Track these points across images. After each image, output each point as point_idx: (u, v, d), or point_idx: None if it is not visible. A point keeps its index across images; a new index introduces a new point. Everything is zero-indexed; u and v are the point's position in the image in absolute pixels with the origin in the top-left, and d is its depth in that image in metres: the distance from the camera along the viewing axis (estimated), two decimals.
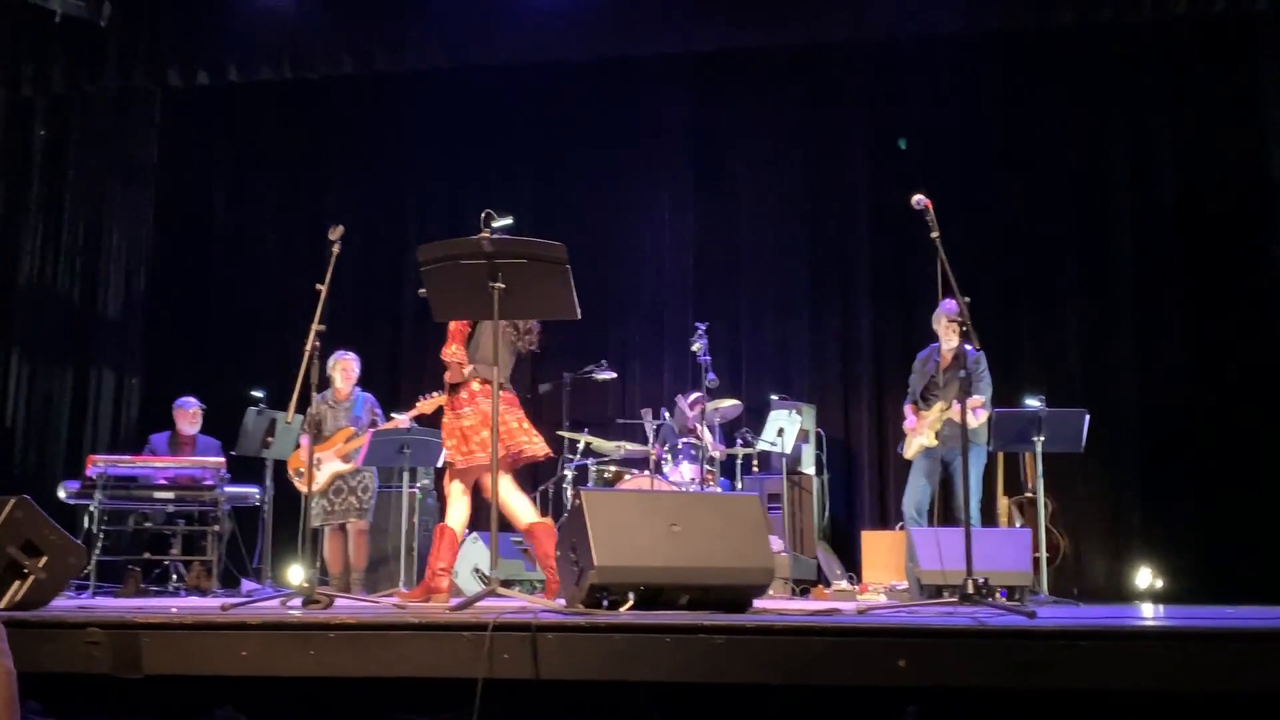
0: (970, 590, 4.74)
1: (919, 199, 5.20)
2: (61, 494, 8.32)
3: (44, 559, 4.95)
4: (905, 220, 8.61)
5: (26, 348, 10.45)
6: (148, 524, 8.60)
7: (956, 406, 7.05)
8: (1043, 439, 7.30)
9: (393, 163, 10.93)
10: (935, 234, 5.09)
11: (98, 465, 8.19)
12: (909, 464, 7.79)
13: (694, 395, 8.94)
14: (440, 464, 8.14)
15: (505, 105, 10.59)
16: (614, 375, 9.26)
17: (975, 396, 7.23)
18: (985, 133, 9.85)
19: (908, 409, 7.73)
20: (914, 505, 7.50)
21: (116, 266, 10.67)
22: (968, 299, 5.21)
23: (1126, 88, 9.59)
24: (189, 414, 8.90)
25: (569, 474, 8.76)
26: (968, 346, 5.16)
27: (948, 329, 7.42)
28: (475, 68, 9.62)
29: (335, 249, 5.48)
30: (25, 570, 4.89)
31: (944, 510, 7.80)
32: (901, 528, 7.88)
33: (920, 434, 7.53)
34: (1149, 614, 5.84)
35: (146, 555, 8.55)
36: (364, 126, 10.92)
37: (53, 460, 10.25)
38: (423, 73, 9.91)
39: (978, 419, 7.26)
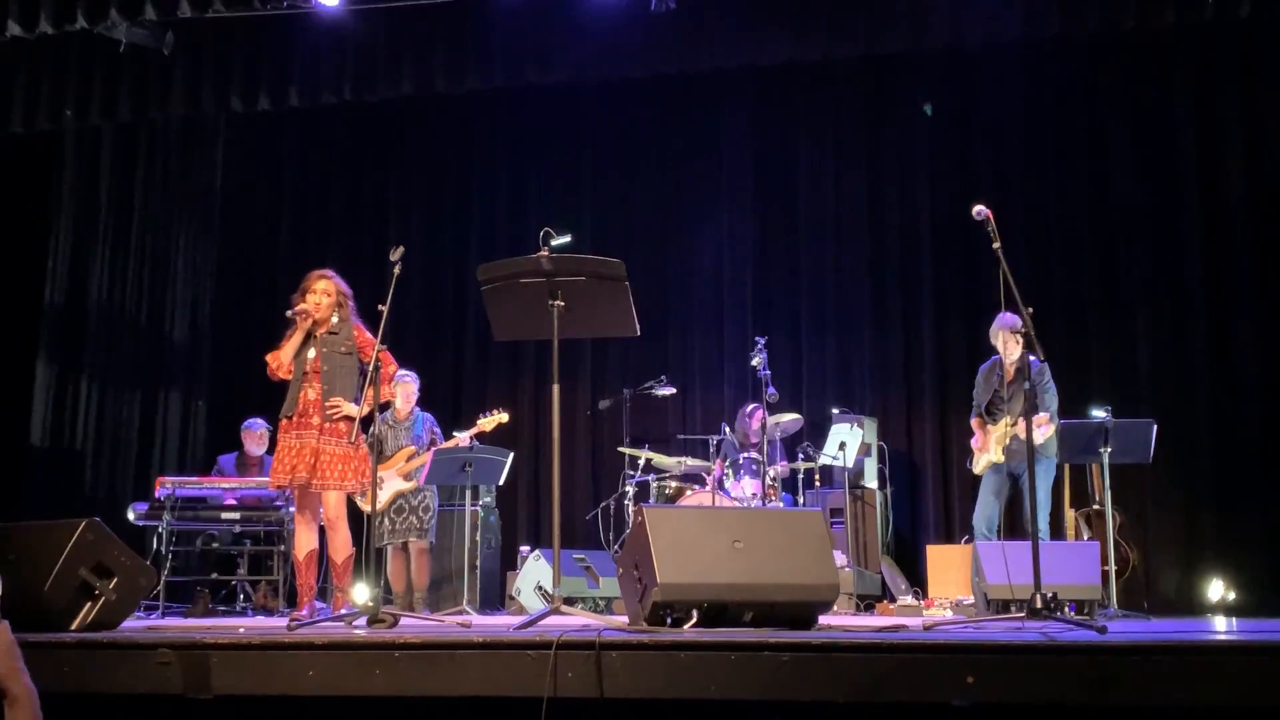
0: (1038, 605, 4.68)
1: (980, 209, 5.16)
2: (130, 515, 8.45)
3: (114, 580, 5.03)
4: (968, 231, 8.56)
5: (96, 371, 10.65)
6: (215, 544, 8.72)
7: (1022, 422, 6.98)
8: (1110, 450, 7.19)
9: (455, 183, 11.03)
10: (997, 244, 5.04)
11: (166, 486, 8.32)
12: (974, 478, 7.71)
13: (755, 409, 8.91)
14: (501, 482, 8.20)
15: (566, 123, 10.66)
16: (674, 391, 9.27)
17: (1041, 413, 7.14)
18: (1049, 140, 9.75)
19: (974, 424, 7.65)
20: (985, 521, 7.41)
21: (184, 290, 10.86)
22: (1030, 309, 5.15)
23: (1194, 92, 9.43)
24: (256, 435, 9.02)
25: (630, 490, 8.77)
26: (1031, 358, 5.09)
27: (1007, 341, 7.34)
28: (535, 87, 9.69)
29: (396, 270, 5.53)
30: (96, 592, 4.98)
31: (1013, 524, 7.71)
32: (968, 541, 7.80)
33: (988, 449, 7.45)
34: (1222, 627, 5.73)
35: (214, 575, 8.67)
36: (426, 147, 11.03)
37: (122, 482, 10.42)
38: (483, 93, 9.98)
39: (1044, 434, 7.17)
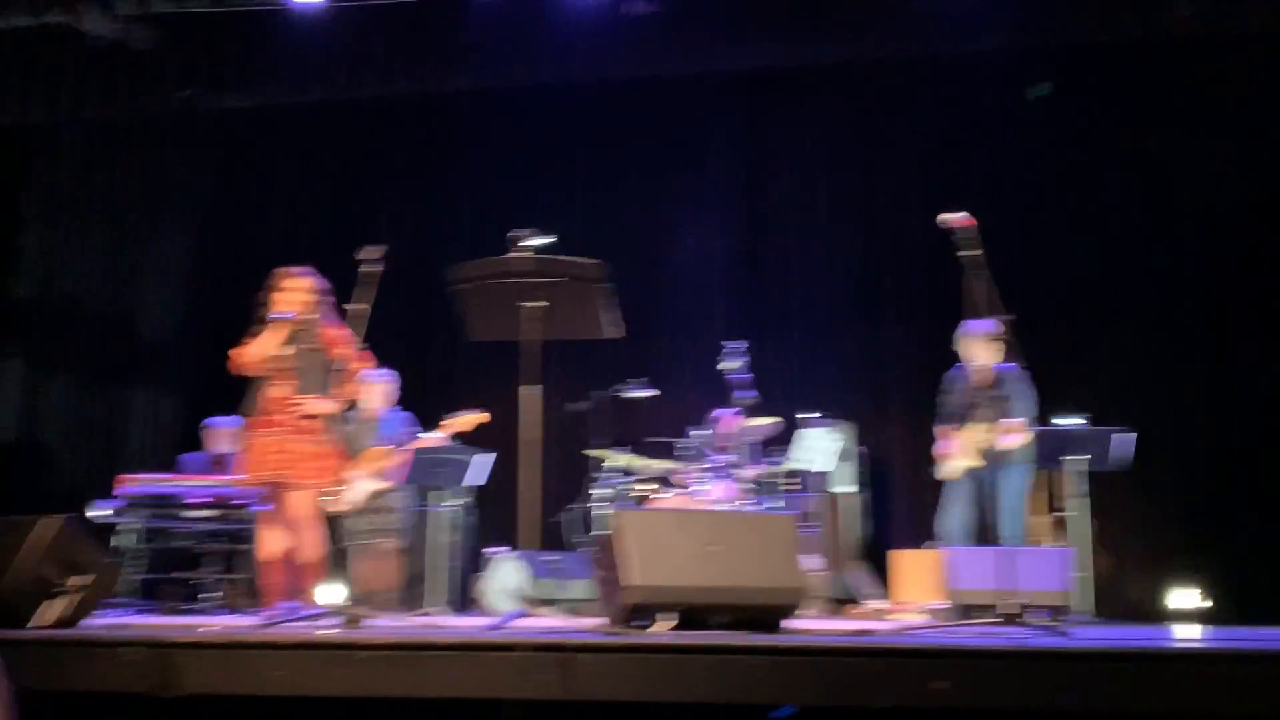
0: (1009, 610, 4.70)
1: (945, 218, 5.18)
2: (96, 513, 8.38)
3: (80, 577, 4.99)
4: (947, 238, 8.62)
5: (67, 368, 10.56)
6: (181, 543, 8.66)
7: (995, 427, 7.01)
8: (1087, 457, 7.23)
9: (444, 182, 10.96)
10: (972, 252, 5.06)
11: (132, 484, 8.25)
12: (945, 483, 7.72)
13: (731, 412, 8.91)
14: (483, 481, 8.18)
15: (554, 124, 10.62)
16: (648, 393, 9.25)
17: (1016, 417, 7.15)
18: (1038, 147, 9.76)
19: (940, 431, 7.66)
20: (955, 526, 7.44)
21: (158, 287, 10.77)
22: (1011, 316, 5.17)
23: (1175, 102, 9.46)
24: (223, 433, 8.95)
25: (602, 492, 8.74)
26: (1009, 364, 5.12)
27: (981, 348, 7.35)
28: (524, 87, 9.67)
29: (373, 268, 5.50)
30: (63, 589, 4.93)
31: (984, 529, 7.73)
32: (937, 546, 7.81)
33: (959, 455, 7.47)
34: (1192, 635, 5.77)
35: (180, 574, 8.61)
36: (415, 147, 10.97)
37: (90, 479, 10.32)
38: (473, 92, 9.96)
39: (1017, 440, 7.18)
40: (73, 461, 10.42)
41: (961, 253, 5.03)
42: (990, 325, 6.86)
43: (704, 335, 10.29)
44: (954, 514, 7.51)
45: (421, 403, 9.09)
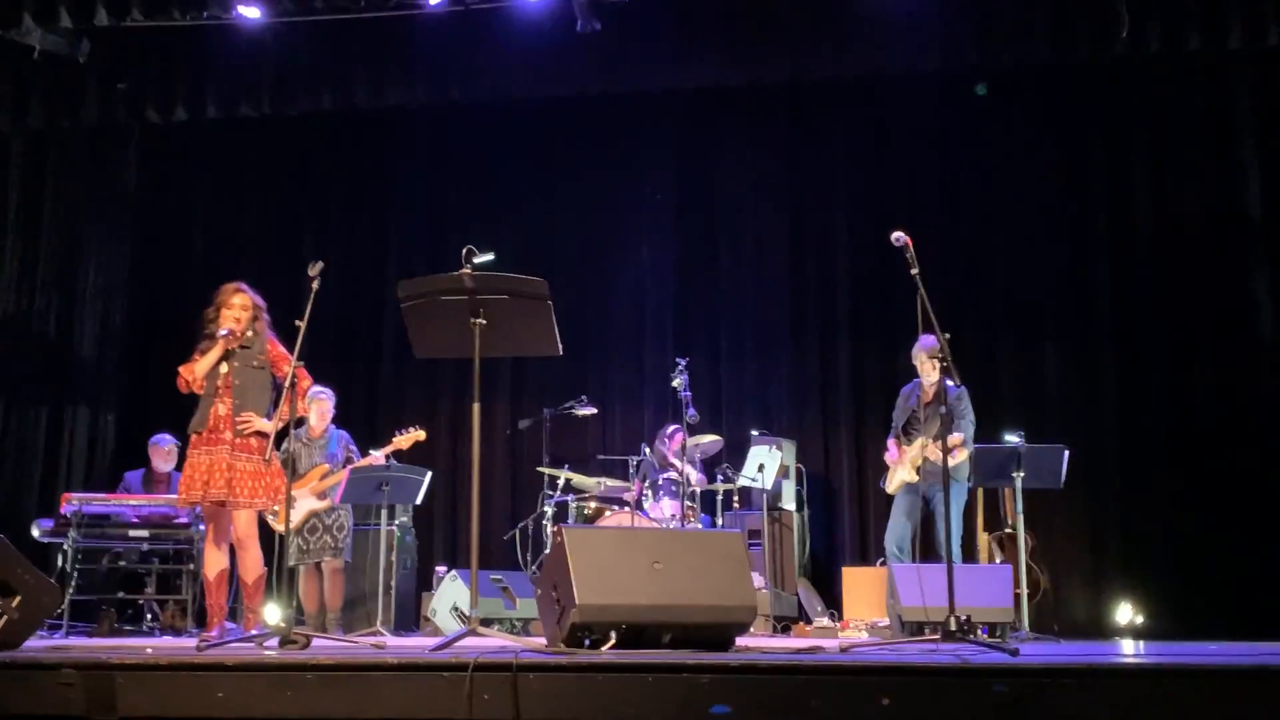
0: (952, 627, 4.73)
1: (898, 236, 5.23)
2: (35, 532, 8.25)
3: (17, 599, 4.89)
4: (885, 257, 8.70)
5: (1, 384, 10.37)
6: (122, 562, 8.54)
7: (936, 444, 7.08)
8: (1022, 475, 7.32)
9: (374, 199, 10.93)
10: (915, 270, 5.11)
11: (72, 503, 8.14)
12: (889, 499, 7.79)
13: (674, 430, 8.93)
14: (418, 501, 8.14)
15: (488, 142, 10.62)
16: (594, 411, 9.26)
17: (955, 434, 7.23)
18: (965, 169, 9.92)
19: (890, 443, 7.74)
20: (895, 542, 7.49)
21: (93, 303, 10.62)
22: (948, 335, 5.23)
23: (1105, 125, 9.67)
24: (164, 451, 8.85)
25: (549, 510, 8.73)
26: (949, 383, 5.17)
27: (927, 364, 7.45)
28: (458, 104, 9.66)
29: (315, 284, 5.46)
30: (0, 610, 4.84)
31: (925, 546, 7.80)
32: (883, 563, 7.87)
33: (902, 467, 7.53)
34: (1130, 650, 5.84)
35: (121, 594, 8.49)
36: (345, 163, 10.93)
37: (27, 498, 10.15)
38: (404, 109, 9.93)
39: (956, 457, 7.27)
40: (11, 480, 10.22)
41: (914, 271, 5.07)
42: (933, 342, 6.94)
43: (644, 353, 10.34)
44: (893, 529, 7.57)
45: (355, 421, 9.04)
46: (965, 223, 9.85)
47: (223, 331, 6.18)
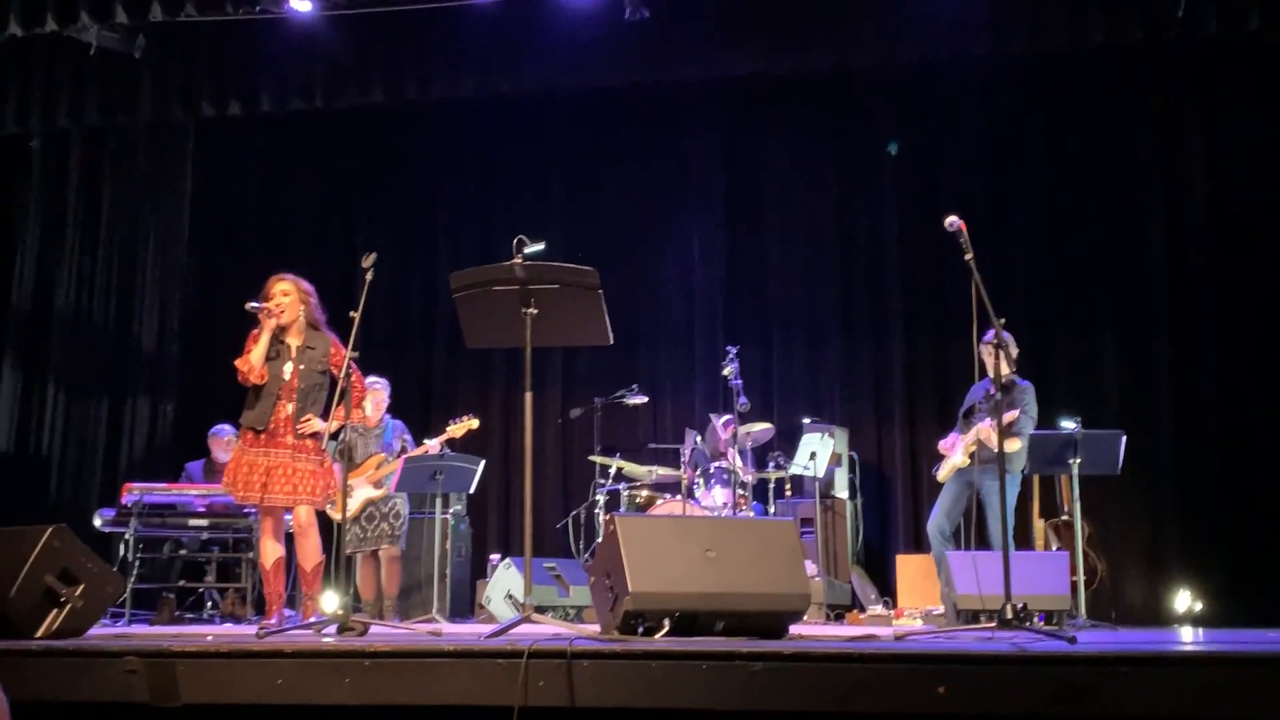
0: (1009, 615, 4.69)
1: (952, 220, 5.18)
2: (97, 522, 8.37)
3: (81, 587, 4.97)
4: (937, 243, 8.63)
5: (63, 377, 10.54)
6: (183, 551, 8.67)
7: (985, 424, 7.01)
8: (1079, 461, 7.23)
9: (424, 191, 10.99)
10: (969, 255, 5.06)
11: (133, 493, 8.24)
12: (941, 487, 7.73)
13: (726, 419, 8.92)
14: (471, 490, 8.17)
15: (536, 132, 10.64)
16: (645, 400, 9.25)
17: (1009, 412, 7.14)
18: (1016, 156, 9.79)
19: (953, 434, 7.66)
20: (938, 527, 7.44)
21: (151, 296, 10.75)
22: (1002, 320, 5.18)
23: (1159, 108, 9.51)
24: (223, 441, 8.94)
25: (601, 499, 8.75)
26: (1020, 380, 5.12)
27: (986, 355, 7.36)
28: (505, 96, 9.66)
29: (368, 276, 5.50)
30: (62, 599, 4.92)
31: (975, 534, 7.73)
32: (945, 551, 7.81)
33: (956, 454, 7.47)
34: (1189, 638, 5.77)
35: (182, 583, 8.61)
36: (396, 155, 10.99)
37: (88, 489, 10.31)
38: (453, 101, 9.95)
39: (1009, 444, 7.16)
40: (73, 471, 10.39)
41: (968, 256, 5.02)
42: (990, 332, 6.83)
43: (695, 341, 10.32)
44: (935, 514, 7.52)
45: (409, 411, 9.09)
46: (1018, 210, 9.73)
47: (252, 304, 6.20)
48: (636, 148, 10.66)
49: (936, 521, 7.48)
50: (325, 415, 6.19)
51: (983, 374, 6.89)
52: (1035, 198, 9.73)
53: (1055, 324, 9.51)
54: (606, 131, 10.66)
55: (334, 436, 6.63)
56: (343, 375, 5.56)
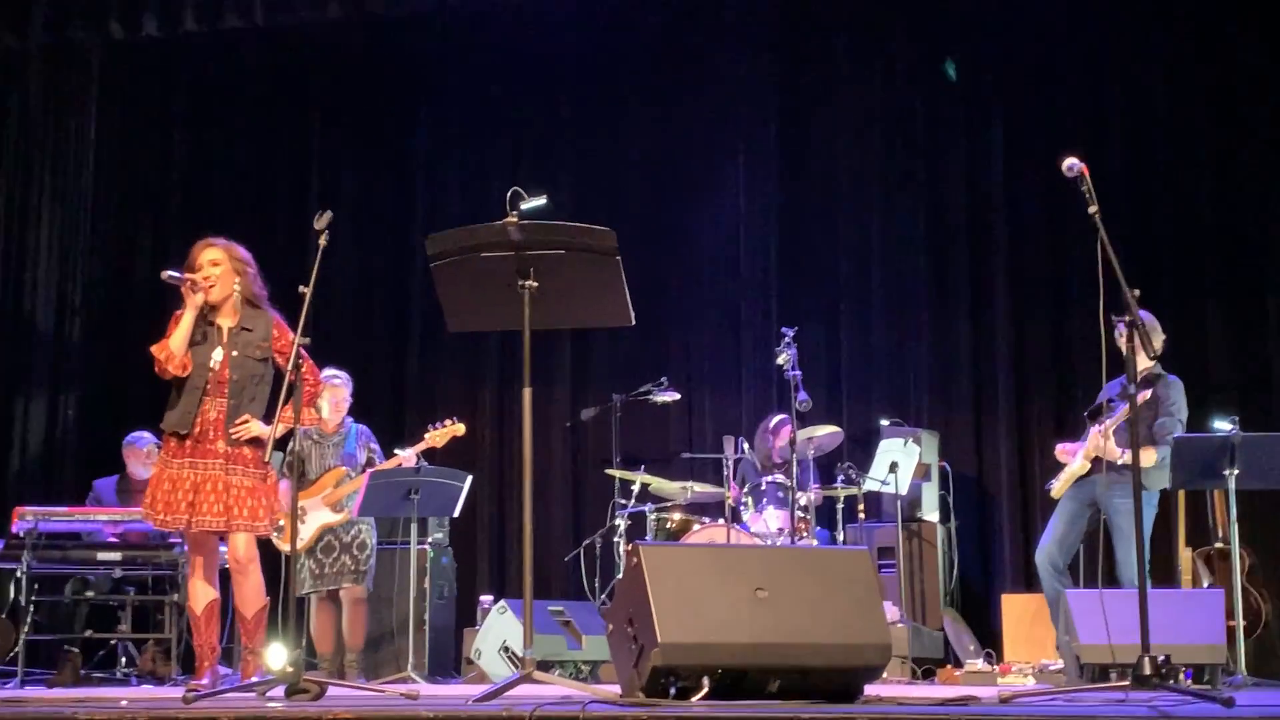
0: (1146, 670, 4.68)
1: (1072, 163, 5.15)
2: None
3: None
4: (1055, 194, 8.59)
5: None
6: (89, 593, 8.68)
7: (1097, 430, 6.95)
8: (1237, 473, 7.18)
9: (396, 132, 11.01)
10: (1093, 208, 5.03)
11: (25, 519, 8.26)
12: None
13: (779, 418, 8.90)
14: (456, 513, 8.18)
15: (540, 56, 10.64)
16: (677, 397, 9.25)
17: (1153, 434, 7.10)
18: (1162, 79, 9.72)
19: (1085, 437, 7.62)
20: (1048, 556, 7.42)
21: (47, 264, 10.80)
22: (1136, 292, 5.15)
23: None
24: (142, 453, 8.97)
25: (621, 524, 8.76)
26: (1170, 375, 5.08)
27: (1123, 341, 7.31)
28: (498, 8, 9.66)
29: (321, 241, 5.50)
30: None
31: (1097, 565, 7.70)
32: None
33: (1074, 461, 7.44)
34: None
35: (89, 633, 8.63)
36: (357, 86, 11.01)
37: None
38: (430, 14, 9.97)
39: (1145, 455, 7.11)
40: None
41: (1092, 209, 5.00)
42: (1148, 318, 6.75)
43: (741, 322, 10.30)
44: (1044, 540, 7.49)
45: (377, 413, 9.10)
46: (1162, 150, 9.65)
47: (170, 272, 6.19)
48: (669, 77, 10.66)
49: (1047, 550, 7.45)
50: (269, 417, 6.18)
51: (1113, 365, 6.87)
52: (1186, 135, 9.66)
53: (1209, 300, 9.45)
54: (631, 56, 10.67)
55: (280, 446, 6.65)
56: (291, 366, 5.55)
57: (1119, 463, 7.04)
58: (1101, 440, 7.19)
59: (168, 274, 6.24)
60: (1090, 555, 7.40)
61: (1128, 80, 9.81)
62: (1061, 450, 7.55)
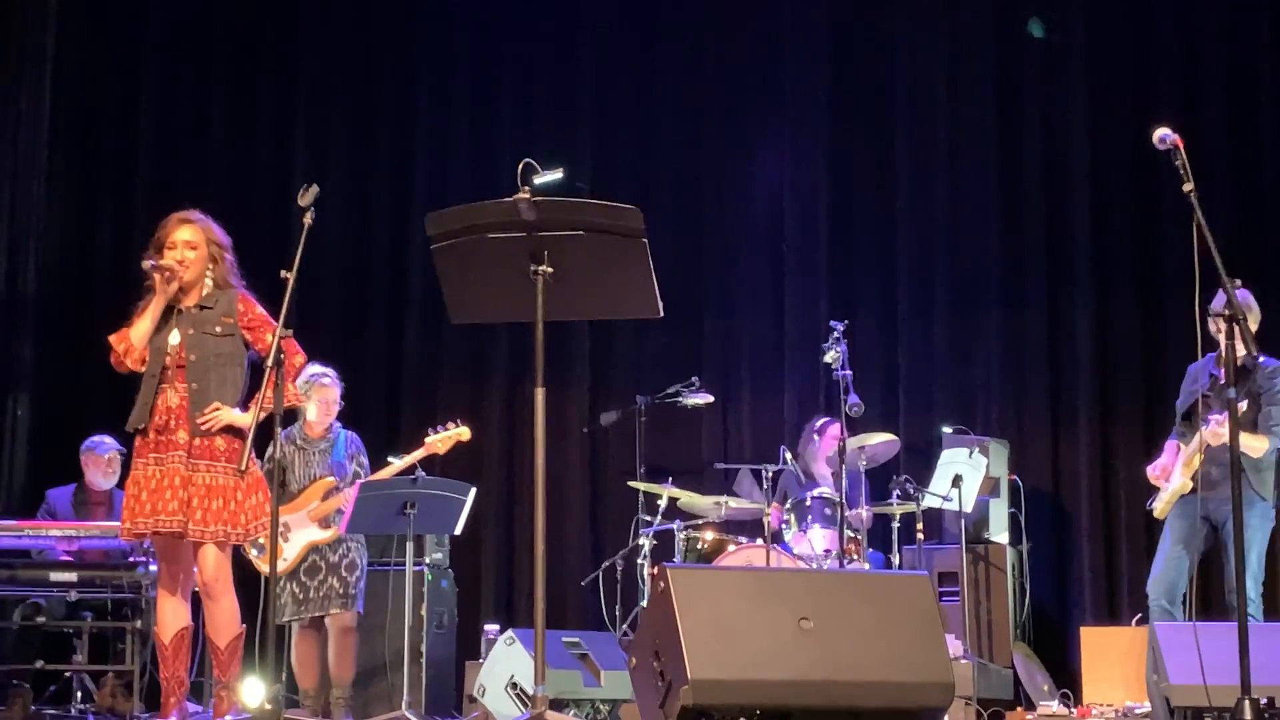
0: (1247, 715, 4.67)
1: (1164, 134, 5.16)
2: None
3: None
4: (1146, 168, 8.58)
5: None
6: (41, 619, 8.71)
7: (1211, 423, 6.94)
8: None
9: (394, 93, 11.02)
10: (1189, 186, 5.03)
11: None
12: (1157, 528, 7.67)
13: (828, 425, 8.90)
14: (458, 530, 8.20)
15: (554, 8, 10.66)
16: (710, 400, 9.26)
17: (1259, 433, 7.09)
18: (1253, 62, 9.72)
19: (1167, 445, 7.61)
20: (1165, 588, 7.40)
21: None
22: (1237, 281, 5.15)
23: None
24: (102, 460, 9.01)
25: (646, 544, 8.77)
26: (1263, 358, 5.09)
27: (1218, 327, 7.29)
28: None
29: (307, 219, 5.51)
30: None
31: (1208, 594, 7.68)
32: (1141, 621, 7.77)
33: (1172, 479, 7.42)
34: None
35: (40, 664, 8.66)
36: (352, 38, 11.02)
37: None
38: None
39: (1253, 446, 7.10)
40: None
41: (1187, 187, 5.00)
42: (1243, 296, 6.75)
43: (784, 314, 10.30)
44: (1160, 569, 7.48)
45: (370, 416, 9.12)
46: (1265, 123, 9.63)
47: (151, 262, 6.18)
48: (702, 24, 10.66)
49: (1160, 579, 7.42)
50: (244, 407, 6.17)
51: (1207, 353, 6.84)
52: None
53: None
54: (659, 6, 10.65)
55: (260, 454, 6.65)
56: (272, 356, 5.52)
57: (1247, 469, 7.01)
58: (1207, 440, 7.16)
59: (149, 263, 6.21)
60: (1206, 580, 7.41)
61: (1229, 41, 9.79)
62: (1152, 471, 7.52)
